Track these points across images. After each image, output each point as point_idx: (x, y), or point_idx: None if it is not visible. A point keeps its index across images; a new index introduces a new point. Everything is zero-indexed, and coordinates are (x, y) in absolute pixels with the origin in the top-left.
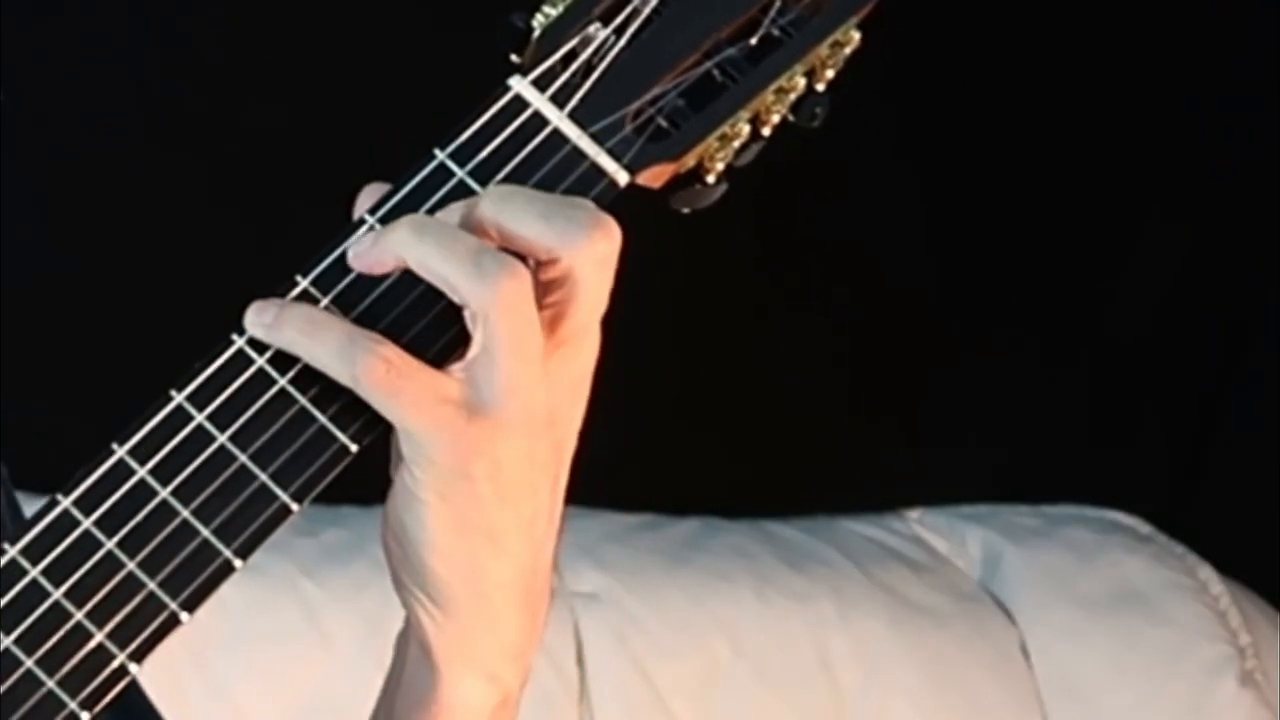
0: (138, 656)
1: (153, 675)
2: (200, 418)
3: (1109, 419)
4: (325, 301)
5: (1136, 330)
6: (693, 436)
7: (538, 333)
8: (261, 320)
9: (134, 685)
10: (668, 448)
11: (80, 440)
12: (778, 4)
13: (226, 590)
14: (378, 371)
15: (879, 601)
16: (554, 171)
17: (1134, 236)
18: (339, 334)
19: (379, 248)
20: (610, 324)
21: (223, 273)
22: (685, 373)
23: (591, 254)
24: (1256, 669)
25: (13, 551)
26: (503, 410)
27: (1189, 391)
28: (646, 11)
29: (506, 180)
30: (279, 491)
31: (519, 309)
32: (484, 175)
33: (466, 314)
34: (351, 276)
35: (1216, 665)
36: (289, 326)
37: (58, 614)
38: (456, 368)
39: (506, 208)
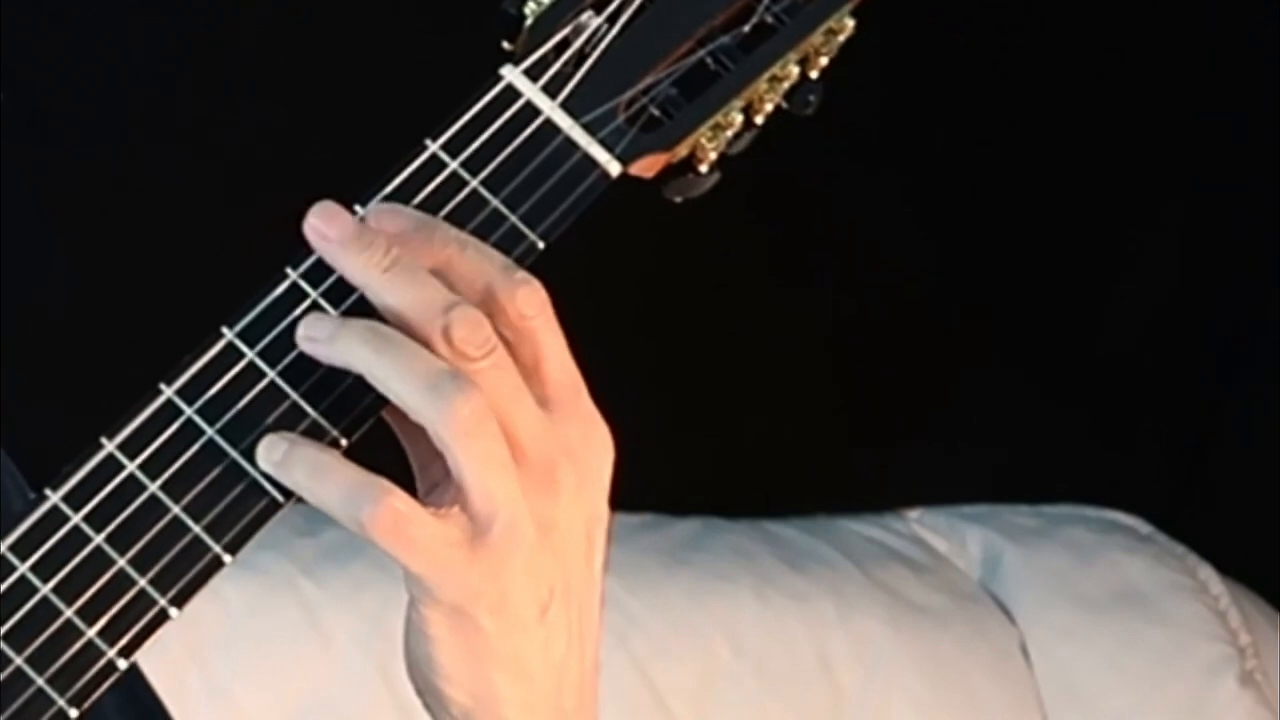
0: (126, 653)
1: (153, 675)
2: (190, 411)
3: (1109, 419)
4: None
5: (1136, 330)
6: (693, 436)
7: (502, 445)
8: (271, 457)
9: (141, 680)
10: (668, 448)
11: (79, 439)
12: None
13: (226, 590)
14: (385, 521)
15: (879, 601)
16: (546, 163)
17: (1134, 237)
18: (347, 480)
19: (334, 348)
20: (610, 324)
21: (222, 273)
22: (685, 372)
23: (530, 303)
24: (1256, 669)
25: (1, 548)
26: (492, 534)
27: (1189, 391)
28: None
29: (499, 171)
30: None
31: (479, 430)
32: (476, 166)
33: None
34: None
35: (1216, 665)
36: (297, 468)
37: (46, 610)
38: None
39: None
